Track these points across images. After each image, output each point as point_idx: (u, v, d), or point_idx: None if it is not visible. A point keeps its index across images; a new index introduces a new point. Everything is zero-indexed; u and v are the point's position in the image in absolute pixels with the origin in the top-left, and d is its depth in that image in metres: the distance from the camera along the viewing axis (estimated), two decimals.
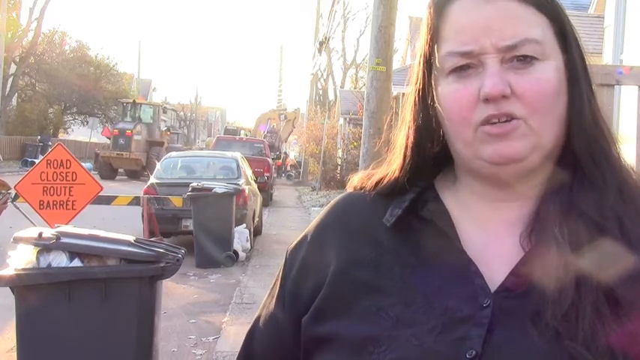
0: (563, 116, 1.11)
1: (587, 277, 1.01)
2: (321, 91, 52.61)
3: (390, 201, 1.20)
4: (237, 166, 15.39)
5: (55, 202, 9.60)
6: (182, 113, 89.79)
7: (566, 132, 1.11)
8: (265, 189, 22.58)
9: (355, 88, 46.74)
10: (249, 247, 13.23)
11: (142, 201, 12.38)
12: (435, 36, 1.14)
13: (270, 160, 27.55)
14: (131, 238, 4.80)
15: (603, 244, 1.03)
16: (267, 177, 24.82)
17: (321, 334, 1.15)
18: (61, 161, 9.54)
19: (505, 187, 1.12)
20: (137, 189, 18.36)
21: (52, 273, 4.44)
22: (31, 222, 8.81)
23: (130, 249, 4.62)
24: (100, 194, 10.14)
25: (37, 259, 4.44)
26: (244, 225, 13.10)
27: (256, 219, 15.32)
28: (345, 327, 1.12)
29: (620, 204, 1.07)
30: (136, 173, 34.66)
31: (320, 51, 33.88)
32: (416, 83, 1.20)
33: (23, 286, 4.47)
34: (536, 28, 1.09)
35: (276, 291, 1.29)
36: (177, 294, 9.50)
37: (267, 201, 23.16)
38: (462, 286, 1.08)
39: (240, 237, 12.68)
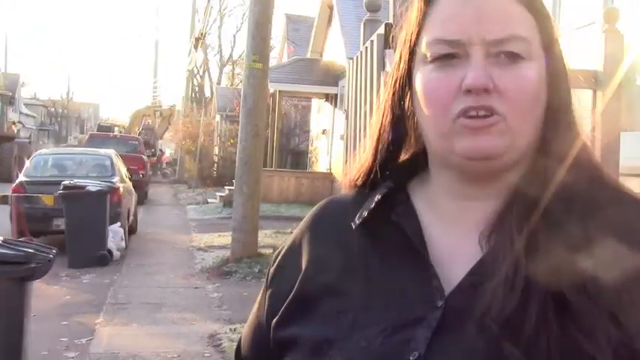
0: (541, 119, 1.09)
1: (538, 280, 0.99)
2: (197, 88, 52.09)
3: (366, 199, 1.18)
4: (112, 163, 15.13)
5: None
6: (53, 109, 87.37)
7: (542, 135, 1.10)
8: (140, 187, 22.22)
9: (232, 85, 46.60)
10: (124, 246, 13.00)
11: (10, 200, 12.00)
12: (422, 22, 1.12)
13: (145, 158, 27.15)
14: None
15: (561, 248, 1.00)
16: (143, 174, 24.47)
17: (285, 337, 1.15)
18: None
19: (475, 185, 1.11)
20: None
21: None
22: None
23: None
24: None
25: None
26: (119, 223, 12.87)
27: (131, 217, 15.09)
28: (306, 329, 1.12)
29: (588, 210, 1.05)
30: None
31: (196, 47, 33.66)
32: (397, 70, 1.17)
33: None
34: (524, 26, 1.08)
35: (260, 296, 1.28)
36: (48, 295, 9.21)
37: (143, 199, 22.82)
38: (420, 289, 1.06)
39: (115, 236, 12.46)
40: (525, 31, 1.08)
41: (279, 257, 1.26)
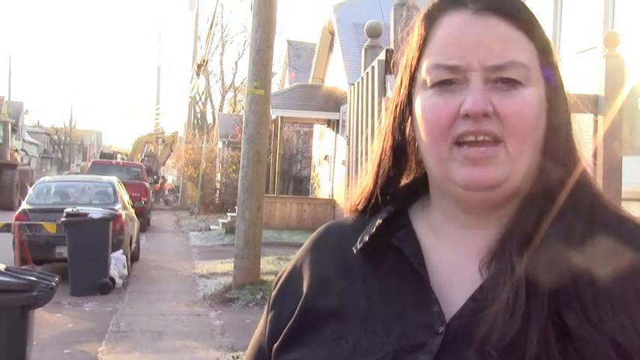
0: (540, 146, 1.10)
1: (539, 306, 0.99)
2: (199, 115, 52.22)
3: (367, 223, 1.19)
4: (114, 190, 15.12)
5: None
6: (56, 137, 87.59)
7: (542, 161, 1.10)
8: (143, 214, 22.22)
9: (234, 111, 46.71)
10: (126, 273, 12.97)
11: (12, 227, 11.99)
12: (423, 47, 1.13)
13: (147, 185, 27.16)
14: (1, 267, 4.63)
15: (562, 274, 1.00)
16: (145, 201, 24.46)
17: None
18: None
19: (474, 215, 1.12)
20: None
21: None
22: None
23: None
24: None
25: None
26: (121, 251, 12.84)
27: (133, 244, 15.05)
28: (307, 354, 1.11)
29: (588, 236, 1.04)
30: None
31: (198, 74, 33.68)
32: (398, 95, 1.18)
33: None
34: (523, 52, 1.08)
35: (262, 319, 1.28)
36: (50, 323, 9.19)
37: (145, 226, 22.81)
38: (421, 314, 1.06)
39: (117, 263, 12.42)
40: (524, 57, 1.08)
41: (281, 281, 1.26)
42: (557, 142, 1.11)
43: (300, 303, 1.17)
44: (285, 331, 1.17)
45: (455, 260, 1.12)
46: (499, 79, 1.06)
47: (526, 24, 1.10)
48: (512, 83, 1.06)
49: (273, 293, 1.26)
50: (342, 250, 1.19)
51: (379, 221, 1.17)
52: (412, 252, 1.13)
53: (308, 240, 1.29)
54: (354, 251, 1.17)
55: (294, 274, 1.24)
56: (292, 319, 1.17)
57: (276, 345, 1.17)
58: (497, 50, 1.07)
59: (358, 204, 1.24)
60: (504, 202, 1.10)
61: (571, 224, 1.05)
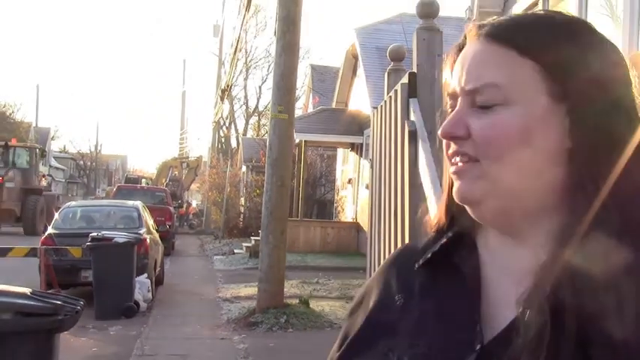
0: (553, 163, 1.07)
1: (566, 340, 0.98)
2: (223, 139, 52.44)
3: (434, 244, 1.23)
4: (139, 215, 15.20)
5: None
6: (82, 162, 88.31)
7: (567, 180, 1.07)
8: (167, 238, 22.30)
9: (258, 135, 46.94)
10: (151, 297, 13.01)
11: (39, 252, 12.08)
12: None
13: (172, 209, 27.28)
14: (27, 291, 4.66)
15: (592, 306, 0.98)
16: (169, 226, 24.56)
17: None
18: None
19: (501, 232, 1.14)
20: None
21: None
22: None
23: (25, 302, 4.48)
24: None
25: None
26: (146, 275, 12.89)
27: (158, 268, 15.12)
28: None
29: (621, 262, 1.00)
30: None
31: (222, 99, 33.89)
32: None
33: None
34: (503, 71, 1.07)
35: (339, 335, 1.33)
36: (75, 347, 9.22)
37: (169, 250, 22.88)
38: (464, 332, 1.09)
39: (142, 287, 12.46)
40: (503, 76, 1.07)
41: (358, 295, 1.32)
42: (583, 160, 1.05)
43: (364, 318, 1.23)
44: (346, 343, 1.22)
45: (505, 282, 1.13)
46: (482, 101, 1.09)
47: (523, 42, 1.07)
48: (489, 104, 1.08)
49: (352, 305, 1.32)
50: (408, 269, 1.23)
51: (444, 240, 1.21)
52: (470, 271, 1.15)
53: (382, 263, 1.35)
54: (416, 267, 1.21)
55: (368, 291, 1.29)
56: (354, 333, 1.22)
57: (337, 355, 1.23)
58: (475, 73, 1.09)
59: (431, 226, 1.27)
60: (538, 221, 1.10)
61: (604, 250, 1.01)
